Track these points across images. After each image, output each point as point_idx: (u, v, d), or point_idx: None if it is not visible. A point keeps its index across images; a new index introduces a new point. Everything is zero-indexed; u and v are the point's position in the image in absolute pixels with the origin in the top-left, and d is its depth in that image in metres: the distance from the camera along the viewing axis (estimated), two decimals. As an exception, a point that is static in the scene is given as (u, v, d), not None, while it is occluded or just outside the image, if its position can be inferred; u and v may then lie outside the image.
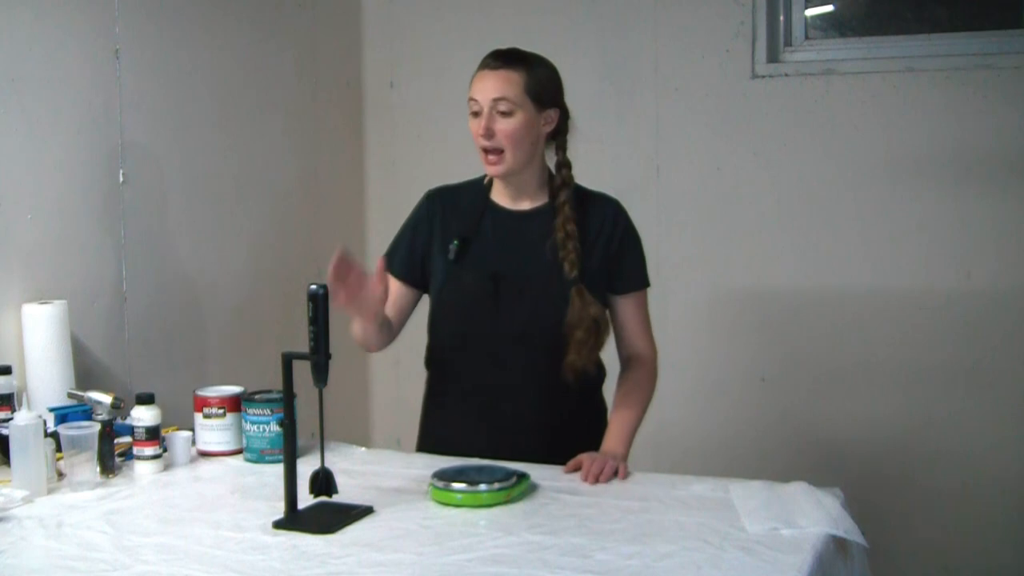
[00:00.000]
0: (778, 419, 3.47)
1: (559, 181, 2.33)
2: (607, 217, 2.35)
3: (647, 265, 2.40)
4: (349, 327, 2.28)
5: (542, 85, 2.29)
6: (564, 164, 2.35)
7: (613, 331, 2.37)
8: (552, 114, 2.31)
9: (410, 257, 2.39)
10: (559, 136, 2.35)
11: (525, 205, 2.35)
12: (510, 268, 2.30)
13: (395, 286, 2.38)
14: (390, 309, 2.36)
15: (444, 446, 2.32)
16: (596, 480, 2.10)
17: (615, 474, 2.13)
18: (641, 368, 2.37)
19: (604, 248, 2.32)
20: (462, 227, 2.35)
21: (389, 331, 2.36)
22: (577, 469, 2.15)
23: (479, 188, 2.40)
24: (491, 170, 2.29)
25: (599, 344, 2.31)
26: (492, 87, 2.25)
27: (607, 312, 2.34)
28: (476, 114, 2.27)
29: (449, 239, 2.34)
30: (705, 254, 3.53)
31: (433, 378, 2.45)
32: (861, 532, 1.84)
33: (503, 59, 2.28)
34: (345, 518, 1.88)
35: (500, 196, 2.37)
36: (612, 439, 2.28)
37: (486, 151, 2.27)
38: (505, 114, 2.25)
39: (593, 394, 2.43)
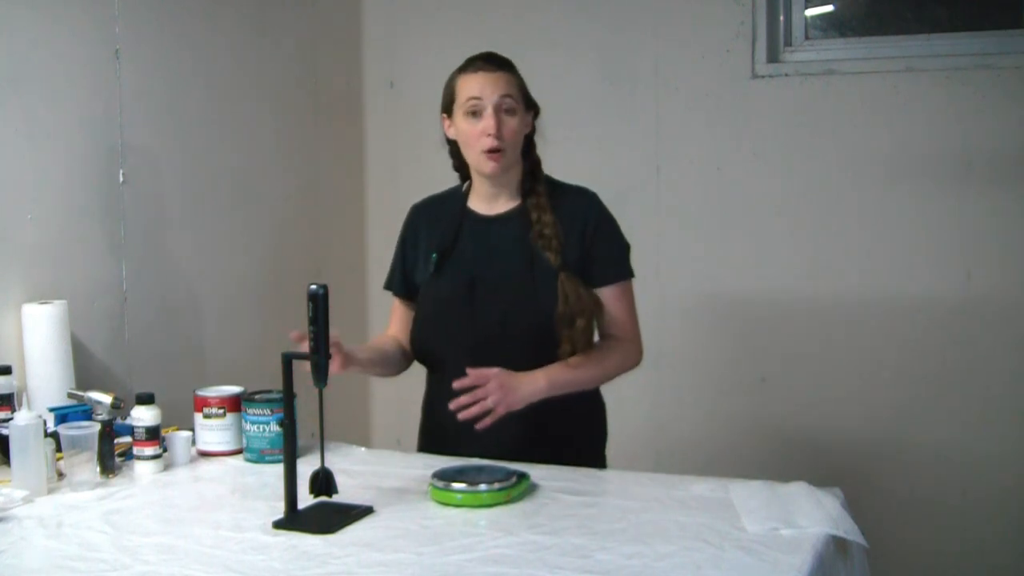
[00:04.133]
0: (778, 419, 3.47)
1: (531, 179, 2.34)
2: (580, 208, 2.34)
3: (630, 256, 2.37)
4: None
5: (525, 88, 2.34)
6: (536, 163, 2.37)
7: (596, 324, 2.34)
8: (531, 116, 2.36)
9: (404, 275, 2.43)
10: (528, 138, 2.37)
11: (500, 209, 2.36)
12: (486, 271, 2.31)
13: (401, 308, 2.45)
14: (403, 330, 2.42)
15: (439, 446, 2.33)
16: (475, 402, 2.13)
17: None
18: (619, 342, 2.33)
19: (580, 238, 2.30)
20: (441, 237, 2.36)
21: (402, 357, 2.42)
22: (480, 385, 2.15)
23: (458, 196, 2.42)
24: (491, 167, 2.28)
25: (592, 330, 2.30)
26: (499, 85, 2.27)
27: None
28: (475, 114, 2.27)
29: (430, 251, 2.36)
30: (705, 254, 3.53)
31: (427, 379, 2.45)
32: (861, 532, 1.84)
33: (497, 62, 2.32)
34: (345, 518, 1.88)
35: (477, 202, 2.38)
36: (541, 371, 2.22)
37: (491, 150, 2.26)
38: (510, 112, 2.27)
39: (592, 392, 2.40)
